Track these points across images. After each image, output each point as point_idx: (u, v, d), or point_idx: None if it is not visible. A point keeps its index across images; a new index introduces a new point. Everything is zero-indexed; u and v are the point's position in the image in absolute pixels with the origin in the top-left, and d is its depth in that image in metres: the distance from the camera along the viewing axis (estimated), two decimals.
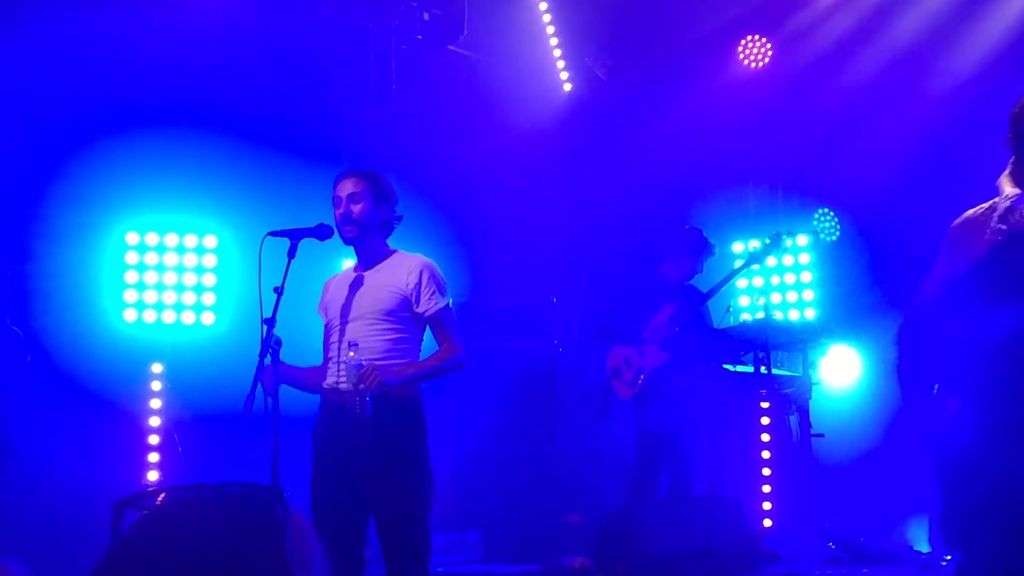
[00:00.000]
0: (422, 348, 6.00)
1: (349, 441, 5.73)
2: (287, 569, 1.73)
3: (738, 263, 9.77)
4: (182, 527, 1.69)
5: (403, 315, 5.87)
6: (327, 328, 6.03)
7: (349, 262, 6.26)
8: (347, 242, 6.00)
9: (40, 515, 8.73)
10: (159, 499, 1.66)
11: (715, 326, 9.28)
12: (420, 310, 5.87)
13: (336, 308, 5.96)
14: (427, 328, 5.97)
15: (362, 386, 5.57)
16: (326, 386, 5.92)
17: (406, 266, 5.94)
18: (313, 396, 6.06)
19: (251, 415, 5.43)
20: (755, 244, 10.71)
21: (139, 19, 9.73)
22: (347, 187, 5.97)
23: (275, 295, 5.68)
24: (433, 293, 5.88)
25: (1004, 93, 9.53)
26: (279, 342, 5.74)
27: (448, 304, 5.96)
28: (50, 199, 9.50)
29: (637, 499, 8.60)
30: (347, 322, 5.89)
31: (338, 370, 5.84)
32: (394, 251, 6.07)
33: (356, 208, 5.93)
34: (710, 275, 9.13)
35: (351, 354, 5.65)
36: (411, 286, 5.87)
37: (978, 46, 10.26)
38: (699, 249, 9.03)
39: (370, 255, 6.02)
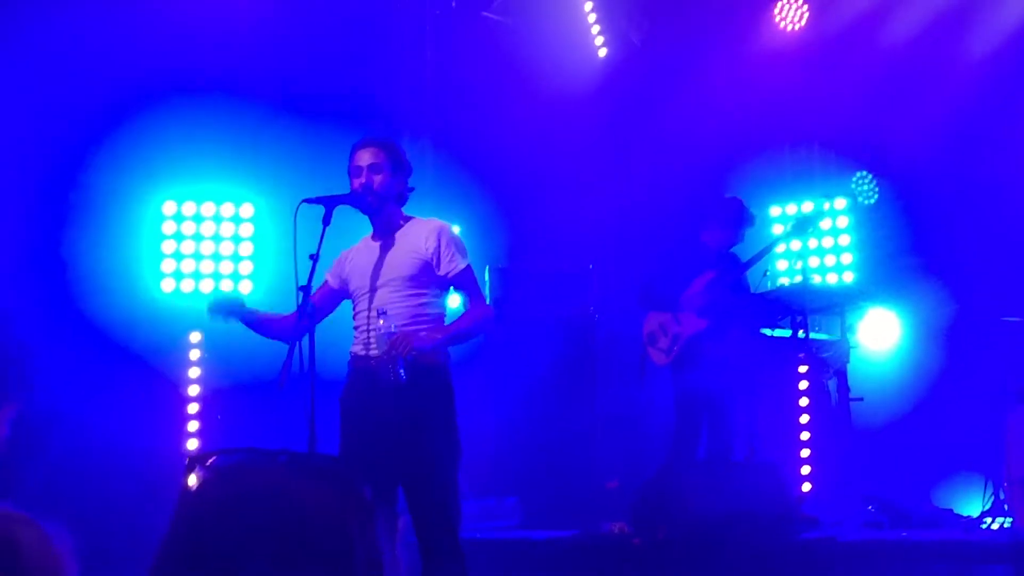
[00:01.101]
0: (447, 314, 6.02)
1: (379, 408, 5.75)
2: (376, 552, 1.69)
3: (778, 229, 9.73)
4: (259, 494, 1.66)
5: (426, 279, 5.88)
6: (353, 298, 6.04)
7: None
8: (367, 212, 6.00)
9: (81, 481, 8.80)
10: (231, 461, 1.64)
11: (752, 292, 9.24)
12: (442, 272, 5.88)
13: (360, 278, 5.96)
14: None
15: (395, 353, 5.58)
16: (354, 353, 5.94)
17: (423, 230, 5.94)
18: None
19: (288, 383, 5.45)
20: (793, 209, 10.67)
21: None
22: (366, 157, 5.95)
23: (311, 262, 5.70)
24: (453, 255, 5.89)
25: None
26: (315, 309, 5.76)
27: (468, 265, 5.97)
28: (89, 169, 9.54)
29: (677, 465, 8.61)
30: (373, 290, 5.90)
31: (367, 338, 5.86)
32: (409, 217, 6.08)
33: (377, 179, 5.92)
34: (750, 243, 9.10)
35: (380, 322, 5.67)
36: (431, 250, 5.88)
37: (1022, 5, 10.15)
38: (739, 219, 9.00)
39: (387, 224, 6.02)
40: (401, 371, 5.58)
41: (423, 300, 5.88)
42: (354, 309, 6.03)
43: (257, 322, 6.11)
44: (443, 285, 5.93)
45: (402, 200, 6.07)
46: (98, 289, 9.34)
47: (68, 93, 9.40)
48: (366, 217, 6.06)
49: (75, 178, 9.53)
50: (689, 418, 8.71)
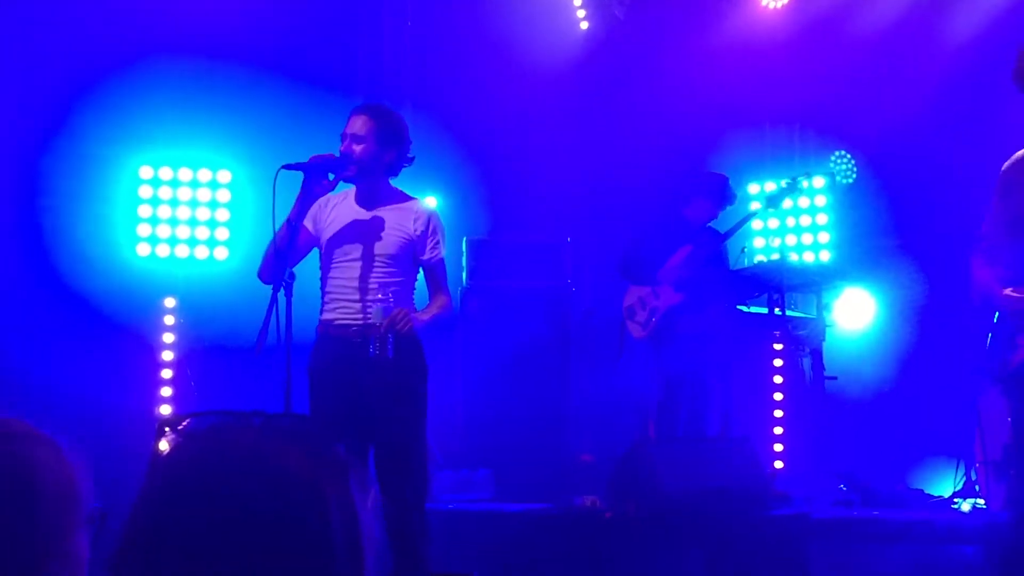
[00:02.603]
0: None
1: (355, 378, 5.76)
2: (351, 511, 1.67)
3: (755, 205, 9.74)
4: (233, 457, 1.63)
5: (406, 260, 5.94)
6: (327, 261, 6.02)
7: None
8: (346, 180, 5.99)
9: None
10: (204, 424, 1.61)
11: (731, 267, 9.26)
12: (424, 258, 5.93)
13: (340, 243, 5.95)
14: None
15: (395, 327, 5.62)
16: (328, 320, 5.93)
17: (413, 212, 5.98)
18: None
19: (264, 349, 5.44)
20: (771, 187, 10.66)
21: None
22: (355, 125, 5.94)
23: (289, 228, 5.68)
24: (437, 243, 5.99)
25: None
26: (293, 276, 5.75)
27: (444, 256, 6.04)
28: (65, 132, 9.47)
29: (651, 439, 8.64)
30: (351, 261, 5.90)
31: (344, 307, 5.86)
32: (398, 191, 6.06)
33: (358, 148, 5.91)
34: (727, 216, 9.12)
35: (379, 296, 5.71)
36: (419, 232, 5.93)
37: None
38: (721, 196, 9.03)
39: (371, 194, 6.02)
40: (391, 345, 5.61)
41: (400, 279, 5.92)
42: (328, 274, 6.01)
43: (300, 216, 5.99)
44: (417, 268, 5.99)
45: (392, 171, 6.04)
46: (73, 254, 9.30)
47: (46, 55, 9.33)
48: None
49: (52, 141, 9.45)
50: (669, 393, 8.74)
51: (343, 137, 5.96)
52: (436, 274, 6.03)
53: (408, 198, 6.09)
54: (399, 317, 5.65)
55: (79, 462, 2.07)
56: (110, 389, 9.15)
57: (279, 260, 5.82)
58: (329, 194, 6.08)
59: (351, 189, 6.10)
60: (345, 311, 5.86)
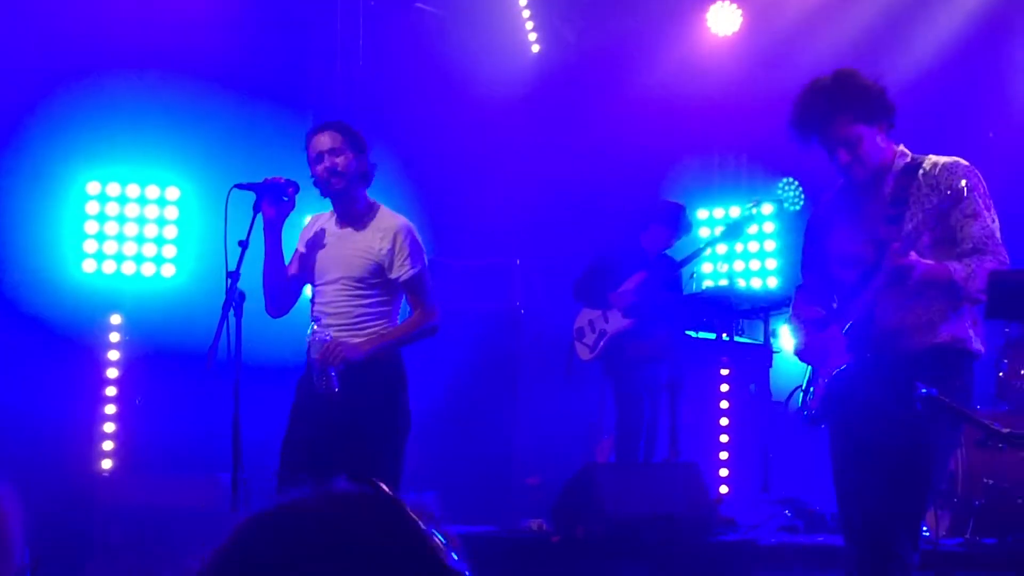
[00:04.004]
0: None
1: (320, 407, 5.74)
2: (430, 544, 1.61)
3: (718, 230, 9.81)
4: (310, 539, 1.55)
5: (376, 281, 5.86)
6: (312, 284, 6.01)
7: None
8: (332, 195, 5.93)
9: None
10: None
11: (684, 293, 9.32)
12: (393, 276, 5.86)
13: (316, 267, 5.93)
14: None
15: (325, 363, 5.58)
16: (308, 346, 5.92)
17: (381, 230, 5.90)
18: (273, 349, 6.08)
19: (213, 368, 5.41)
20: (720, 213, 10.73)
21: None
22: (325, 141, 5.89)
23: (239, 249, 5.64)
24: (406, 259, 5.86)
25: (968, 69, 9.59)
26: (243, 296, 5.71)
27: (422, 269, 5.93)
28: (11, 147, 9.39)
29: (598, 464, 8.70)
30: (323, 285, 5.88)
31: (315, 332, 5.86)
32: (376, 207, 6.01)
33: (340, 160, 5.86)
34: (679, 246, 9.19)
35: (314, 327, 5.66)
36: (384, 251, 5.84)
37: (943, 25, 10.28)
38: (677, 224, 9.11)
39: (351, 208, 5.96)
40: (334, 380, 5.57)
41: (369, 301, 5.86)
42: (312, 299, 6.01)
43: (276, 246, 5.95)
44: (393, 287, 5.90)
45: (367, 180, 6.00)
46: (19, 269, 9.22)
47: None
48: (305, 206, 6.03)
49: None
50: (629, 417, 8.80)
51: (318, 158, 5.86)
52: (410, 290, 5.92)
53: (382, 213, 6.00)
54: (331, 350, 5.61)
55: (12, 508, 1.99)
56: (54, 404, 9.08)
57: (274, 293, 5.83)
58: (319, 214, 6.07)
59: (333, 215, 6.05)
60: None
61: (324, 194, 5.92)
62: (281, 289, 5.92)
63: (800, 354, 5.33)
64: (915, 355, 4.85)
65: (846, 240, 5.09)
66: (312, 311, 5.95)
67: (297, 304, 6.15)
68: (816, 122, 4.97)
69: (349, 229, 5.94)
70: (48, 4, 9.38)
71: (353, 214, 5.95)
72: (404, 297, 5.98)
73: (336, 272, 5.86)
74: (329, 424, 5.72)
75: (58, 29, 9.44)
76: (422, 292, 5.95)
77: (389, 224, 5.94)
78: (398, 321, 5.96)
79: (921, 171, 4.88)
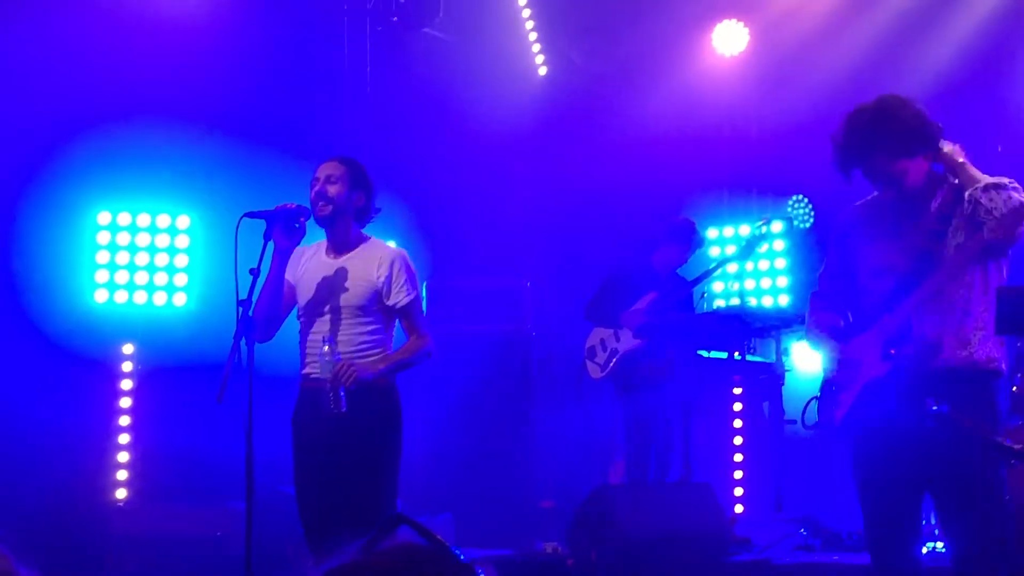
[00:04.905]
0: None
1: (326, 431, 5.76)
2: None
3: (728, 249, 9.80)
4: None
5: (374, 308, 5.91)
6: (302, 315, 6.02)
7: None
8: (320, 220, 5.97)
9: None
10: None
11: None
12: (390, 303, 5.90)
13: (310, 297, 5.94)
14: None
15: (338, 382, 5.61)
16: (304, 375, 5.95)
17: (376, 258, 5.94)
18: (287, 379, 6.09)
19: (225, 397, 5.41)
20: (730, 232, 10.72)
21: (114, 5, 9.65)
22: (326, 168, 5.98)
23: (251, 277, 5.66)
24: (403, 285, 5.92)
25: (973, 87, 9.60)
26: (254, 324, 5.72)
27: (418, 295, 6.00)
28: (27, 178, 9.43)
29: (623, 484, 8.69)
30: (321, 314, 5.90)
31: (312, 360, 5.88)
32: (367, 238, 6.06)
33: (332, 188, 5.92)
34: (695, 263, 9.20)
35: (326, 348, 5.68)
36: (381, 279, 5.89)
37: (948, 43, 10.30)
38: (689, 242, 9.10)
39: (342, 240, 6.01)
40: (344, 399, 5.60)
41: (370, 328, 5.90)
42: (303, 328, 6.01)
43: (281, 273, 5.96)
44: (390, 314, 5.95)
45: (362, 218, 6.05)
46: (31, 298, 9.26)
47: (10, 105, 9.28)
48: (315, 233, 6.05)
49: (14, 188, 9.42)
50: (638, 437, 8.78)
51: (314, 182, 5.95)
52: (406, 316, 5.99)
53: (374, 243, 6.07)
54: (343, 370, 5.65)
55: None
56: (69, 433, 9.13)
57: (266, 319, 5.85)
58: (304, 246, 6.08)
59: (323, 241, 6.09)
60: (317, 365, 5.85)
61: (315, 218, 5.95)
62: (275, 317, 5.94)
63: (832, 363, 5.27)
64: (952, 371, 4.85)
65: (881, 250, 5.07)
66: (306, 340, 5.96)
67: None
68: (856, 159, 4.94)
69: (342, 258, 5.97)
70: (62, 48, 9.44)
71: (345, 244, 6.00)
72: (398, 323, 6.02)
73: (335, 301, 5.89)
74: (333, 447, 5.75)
75: (71, 68, 9.51)
76: (416, 318, 6.02)
77: (384, 252, 6.01)
78: (393, 347, 5.99)
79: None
